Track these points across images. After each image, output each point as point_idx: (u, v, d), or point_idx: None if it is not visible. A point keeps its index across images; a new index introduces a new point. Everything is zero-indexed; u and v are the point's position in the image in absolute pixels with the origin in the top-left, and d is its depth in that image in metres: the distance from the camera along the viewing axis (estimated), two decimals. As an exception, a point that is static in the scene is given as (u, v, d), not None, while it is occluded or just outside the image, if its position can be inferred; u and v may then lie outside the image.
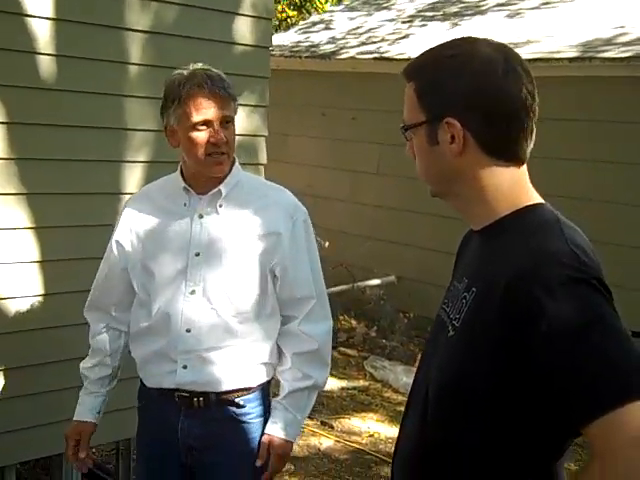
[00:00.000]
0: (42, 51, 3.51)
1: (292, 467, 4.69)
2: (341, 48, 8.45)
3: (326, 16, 10.52)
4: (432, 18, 8.78)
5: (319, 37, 9.16)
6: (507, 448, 1.48)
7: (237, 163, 2.59)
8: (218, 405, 2.55)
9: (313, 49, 8.69)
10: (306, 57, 8.47)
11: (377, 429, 5.34)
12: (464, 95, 1.50)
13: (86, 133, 3.69)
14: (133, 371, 2.69)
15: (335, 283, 7.06)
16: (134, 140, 3.84)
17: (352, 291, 7.41)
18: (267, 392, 2.68)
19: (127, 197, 3.13)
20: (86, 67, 3.63)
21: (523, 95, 1.51)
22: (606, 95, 6.42)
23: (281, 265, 2.53)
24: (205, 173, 2.49)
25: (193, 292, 2.50)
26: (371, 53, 8.04)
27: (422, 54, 1.60)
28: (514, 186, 1.55)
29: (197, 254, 2.51)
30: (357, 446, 5.06)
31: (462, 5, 8.99)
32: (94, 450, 4.27)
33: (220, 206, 2.52)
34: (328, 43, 8.79)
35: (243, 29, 4.12)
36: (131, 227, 2.60)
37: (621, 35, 6.76)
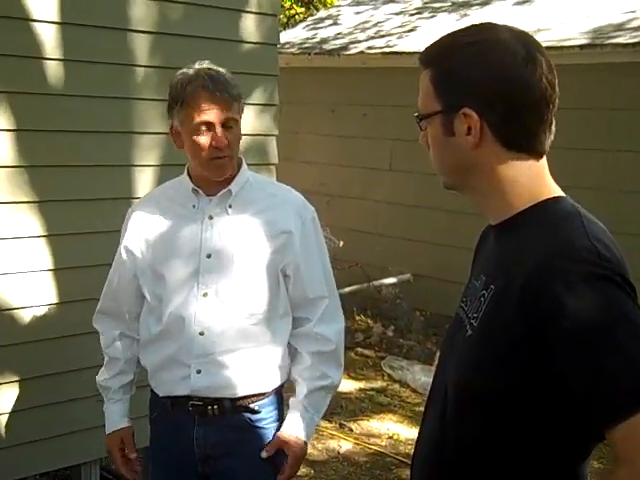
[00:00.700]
0: (49, 56, 3.47)
1: (312, 471, 4.63)
2: (350, 43, 8.38)
3: (333, 11, 10.45)
4: (440, 9, 8.69)
5: (327, 33, 9.09)
6: (527, 449, 1.44)
7: (244, 163, 2.56)
8: (233, 412, 2.51)
9: (321, 45, 8.62)
10: (315, 54, 8.40)
11: (396, 430, 5.26)
12: (483, 85, 1.43)
13: (96, 138, 3.66)
14: (144, 379, 2.66)
15: (350, 282, 7.00)
16: (144, 143, 3.80)
17: (368, 290, 7.34)
18: (281, 396, 2.65)
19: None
20: (94, 71, 3.60)
21: (543, 85, 1.44)
22: (619, 82, 6.33)
23: (293, 264, 2.51)
24: (208, 175, 2.46)
25: (205, 294, 2.47)
26: (380, 48, 7.96)
27: (439, 40, 1.54)
28: (533, 179, 1.49)
29: (208, 256, 2.48)
30: (377, 448, 4.99)
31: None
32: (106, 458, 4.26)
33: (230, 207, 2.49)
34: (336, 39, 8.72)
35: (249, 27, 4.07)
36: (139, 232, 2.57)
37: (632, 20, 6.67)
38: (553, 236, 1.40)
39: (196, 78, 2.37)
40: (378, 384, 6.12)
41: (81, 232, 3.65)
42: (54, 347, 3.64)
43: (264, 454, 2.50)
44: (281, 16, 11.65)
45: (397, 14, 9.00)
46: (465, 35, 1.50)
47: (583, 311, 1.31)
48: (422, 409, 5.39)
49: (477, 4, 8.50)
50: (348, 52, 8.14)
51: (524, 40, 1.47)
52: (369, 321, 7.36)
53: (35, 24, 3.42)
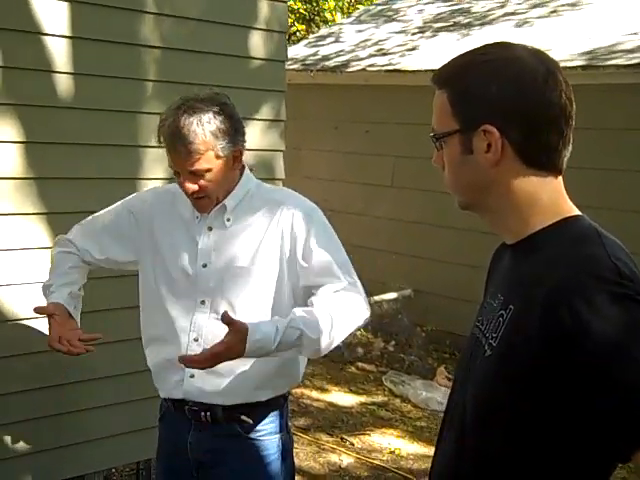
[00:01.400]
0: (59, 69, 3.50)
1: (313, 485, 4.64)
2: (352, 61, 8.43)
3: (335, 29, 10.52)
4: (441, 29, 8.77)
5: (329, 50, 9.15)
6: (548, 468, 1.41)
7: (246, 172, 2.56)
8: (226, 420, 2.52)
9: (324, 62, 8.68)
10: (317, 71, 8.45)
11: (398, 445, 5.27)
12: (503, 101, 1.42)
13: (104, 151, 3.68)
14: (151, 391, 2.67)
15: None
16: (152, 157, 3.82)
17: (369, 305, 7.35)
18: (282, 408, 2.62)
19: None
20: (103, 84, 3.63)
21: (563, 101, 1.44)
22: (618, 102, 6.38)
23: (299, 263, 2.43)
24: None
25: (203, 302, 2.50)
26: (383, 65, 8.01)
27: (453, 60, 1.53)
28: (552, 197, 1.48)
29: (204, 265, 2.51)
30: (378, 463, 5.00)
31: (470, 15, 8.98)
32: (114, 470, 4.27)
33: (228, 220, 2.51)
34: (338, 56, 8.78)
35: (257, 43, 4.10)
36: (150, 220, 2.61)
37: (630, 42, 6.72)
38: (573, 255, 1.38)
39: (166, 124, 2.38)
40: (379, 399, 6.13)
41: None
42: (59, 358, 3.63)
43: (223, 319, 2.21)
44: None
45: (398, 33, 9.07)
46: (481, 54, 1.49)
47: (607, 331, 1.29)
48: (423, 424, 5.41)
49: (477, 25, 8.57)
50: (351, 69, 8.20)
51: (541, 57, 1.46)
52: (370, 336, 7.37)
53: (46, 37, 3.45)
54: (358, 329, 2.51)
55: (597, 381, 1.30)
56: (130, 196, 2.75)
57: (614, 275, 1.33)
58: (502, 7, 8.93)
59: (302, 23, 15.63)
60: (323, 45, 9.50)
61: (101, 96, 3.63)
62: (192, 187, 2.38)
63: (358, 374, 6.54)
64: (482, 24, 8.55)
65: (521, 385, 1.38)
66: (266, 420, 2.55)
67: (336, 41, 9.52)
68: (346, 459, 5.02)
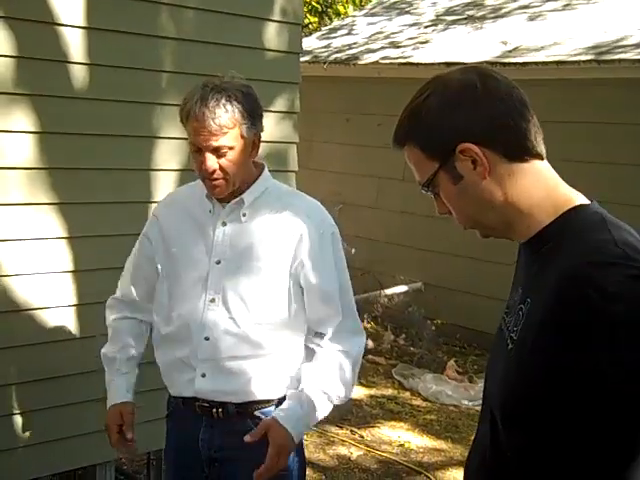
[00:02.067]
0: (73, 60, 3.50)
1: (323, 477, 4.65)
2: (364, 53, 8.42)
3: (348, 21, 10.50)
4: (454, 22, 8.74)
5: (341, 42, 9.13)
6: (570, 459, 1.38)
7: (266, 171, 2.55)
8: (238, 417, 2.50)
9: (336, 55, 8.66)
10: (330, 63, 8.43)
11: (407, 438, 5.28)
12: (461, 118, 1.48)
13: (117, 141, 3.69)
14: (160, 382, 2.66)
15: (362, 290, 7.02)
16: (166, 148, 3.83)
17: (379, 298, 7.36)
18: None
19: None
20: (117, 75, 3.63)
21: (509, 92, 1.49)
22: (631, 97, 6.35)
23: (304, 272, 2.46)
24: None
25: (213, 300, 2.47)
26: (395, 58, 7.99)
27: (400, 118, 1.57)
28: (547, 189, 1.50)
29: (218, 262, 2.48)
30: (388, 456, 5.01)
31: (484, 8, 8.94)
32: (124, 460, 4.29)
33: (244, 215, 2.48)
34: (351, 48, 8.76)
35: (273, 35, 4.10)
36: (161, 227, 2.59)
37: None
38: (581, 246, 1.39)
39: (192, 100, 2.34)
40: (389, 392, 6.14)
41: (101, 235, 3.68)
42: (71, 348, 3.66)
43: (247, 438, 2.31)
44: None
45: (411, 25, 9.05)
46: (417, 97, 1.54)
47: (622, 317, 1.28)
48: (432, 417, 5.43)
49: (490, 18, 8.54)
50: (363, 62, 8.19)
51: (471, 69, 1.54)
52: (380, 329, 7.38)
53: (61, 28, 3.46)
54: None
55: (619, 367, 1.28)
56: (146, 224, 2.70)
57: (623, 260, 1.33)
58: (516, 0, 8.89)
59: (315, 15, 15.59)
60: (336, 37, 9.48)
61: (116, 87, 3.63)
62: (213, 165, 2.34)
63: (368, 367, 6.54)
64: (495, 17, 8.52)
65: (538, 378, 1.37)
66: None
67: (349, 33, 9.50)
68: (355, 452, 5.03)
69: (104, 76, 3.60)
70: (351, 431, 5.32)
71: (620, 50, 6.51)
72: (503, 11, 8.70)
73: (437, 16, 9.17)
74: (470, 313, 6.93)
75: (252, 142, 2.42)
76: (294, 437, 2.37)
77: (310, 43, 9.47)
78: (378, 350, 6.96)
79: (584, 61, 6.52)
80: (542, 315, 1.37)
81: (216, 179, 2.38)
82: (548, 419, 1.38)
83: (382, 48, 8.44)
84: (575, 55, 6.68)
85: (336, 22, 11.59)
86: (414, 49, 8.10)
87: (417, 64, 7.63)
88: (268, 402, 2.52)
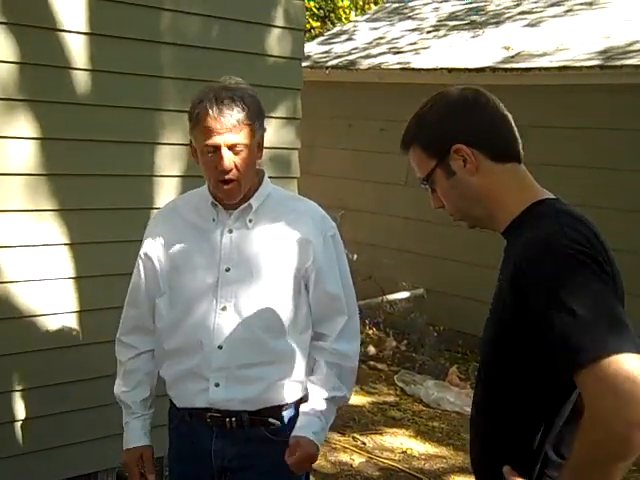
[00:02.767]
0: (76, 66, 3.51)
1: (325, 484, 4.63)
2: (366, 58, 8.41)
3: (350, 26, 10.50)
4: (456, 27, 8.73)
5: (343, 48, 9.13)
6: (528, 391, 1.76)
7: (266, 177, 2.55)
8: (251, 425, 2.49)
9: (338, 60, 8.66)
10: (331, 68, 8.43)
11: (409, 445, 5.26)
12: (459, 124, 1.84)
13: (119, 148, 3.69)
14: (162, 389, 2.64)
15: (364, 296, 6.99)
16: (167, 154, 3.83)
17: (381, 304, 7.35)
18: (299, 409, 2.60)
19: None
20: (119, 81, 3.64)
21: (495, 107, 1.87)
22: (636, 102, 6.33)
23: (313, 279, 2.48)
24: (217, 195, 2.45)
25: (224, 308, 2.45)
26: (397, 63, 7.98)
27: (407, 125, 1.93)
28: (521, 186, 1.85)
29: (227, 269, 2.46)
30: (390, 463, 4.98)
31: (486, 14, 8.95)
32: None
33: (250, 221, 2.47)
34: (353, 54, 8.76)
35: (275, 41, 4.10)
36: (160, 242, 2.55)
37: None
38: (533, 230, 1.71)
39: (206, 99, 2.33)
40: (391, 398, 6.11)
41: (102, 241, 3.67)
42: (72, 355, 3.66)
43: (290, 460, 2.40)
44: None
45: (413, 31, 9.05)
46: (422, 107, 1.91)
47: (548, 279, 1.61)
48: (434, 424, 5.39)
49: (492, 23, 8.54)
50: (365, 67, 8.18)
51: (465, 88, 1.91)
52: (382, 335, 7.35)
53: (63, 34, 3.46)
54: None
55: (542, 319, 1.62)
56: (142, 242, 2.64)
57: (559, 237, 1.65)
58: (518, 6, 8.89)
59: (317, 20, 15.60)
60: (337, 43, 9.48)
61: (118, 93, 3.64)
62: (230, 164, 2.34)
63: (370, 373, 6.52)
64: (497, 23, 8.52)
65: (501, 326, 1.78)
66: (288, 421, 2.54)
67: (351, 39, 9.50)
68: (358, 459, 5.01)
69: (106, 82, 3.60)
70: (353, 438, 5.29)
71: (624, 56, 6.49)
72: (505, 17, 8.70)
73: (439, 21, 9.17)
74: (472, 319, 6.85)
75: (258, 144, 2.44)
76: (318, 447, 2.48)
77: (312, 48, 9.46)
78: (380, 356, 6.94)
79: (587, 67, 6.50)
80: (505, 285, 1.73)
81: (231, 180, 2.37)
82: (510, 350, 1.76)
83: (384, 53, 8.44)
84: (578, 61, 6.66)
85: (338, 27, 11.59)
86: (416, 54, 8.10)
87: (419, 69, 7.62)
88: (281, 408, 2.52)
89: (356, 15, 14.31)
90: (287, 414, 2.54)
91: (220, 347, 2.45)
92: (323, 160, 8.29)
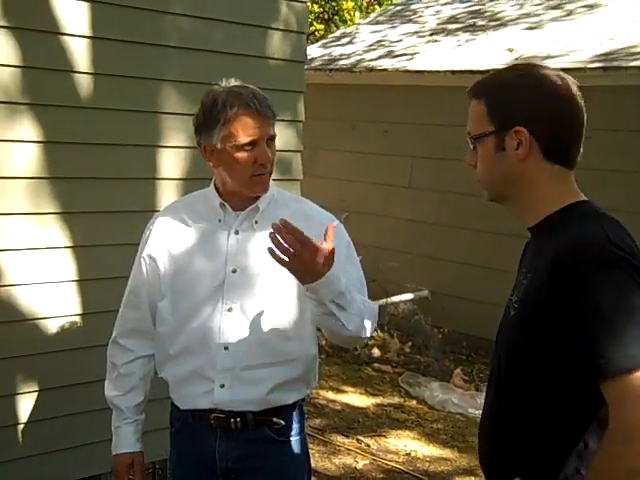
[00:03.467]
0: (77, 69, 3.51)
1: (329, 487, 4.63)
2: (370, 60, 8.41)
3: (353, 29, 10.51)
4: (459, 30, 8.74)
5: (347, 50, 9.14)
6: (554, 407, 1.72)
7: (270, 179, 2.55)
8: (256, 425, 2.48)
9: (342, 62, 8.66)
10: (335, 70, 8.43)
11: (414, 447, 5.25)
12: (535, 109, 1.76)
13: (120, 151, 3.69)
14: (165, 392, 2.62)
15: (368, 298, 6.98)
16: (169, 157, 3.83)
17: (385, 306, 7.34)
18: (303, 410, 2.63)
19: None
20: (121, 84, 3.64)
21: (580, 111, 1.80)
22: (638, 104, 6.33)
23: None
24: (247, 193, 2.45)
25: (230, 309, 2.45)
26: (401, 65, 7.98)
27: (490, 75, 1.87)
28: (563, 187, 1.81)
29: (234, 271, 2.46)
30: (394, 465, 4.98)
31: (487, 17, 8.95)
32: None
33: (256, 222, 2.48)
34: (356, 56, 8.76)
35: (277, 43, 4.11)
36: (163, 243, 2.54)
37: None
38: (574, 230, 1.69)
39: (240, 96, 2.34)
40: (395, 400, 6.10)
41: (104, 244, 3.68)
42: (75, 357, 3.66)
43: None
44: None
45: (415, 34, 9.06)
46: (515, 71, 1.85)
47: (590, 286, 1.58)
48: (439, 426, 5.39)
49: (492, 27, 8.54)
50: (369, 69, 8.18)
51: (562, 76, 1.80)
52: (386, 337, 7.34)
53: (65, 38, 3.47)
54: (363, 338, 2.49)
55: (576, 324, 1.60)
56: (140, 245, 2.61)
57: (603, 241, 1.63)
58: (519, 9, 8.89)
59: (321, 22, 15.61)
60: (341, 45, 9.48)
61: (120, 96, 3.64)
62: (270, 155, 2.39)
63: (374, 375, 6.52)
64: (499, 25, 8.52)
65: (531, 328, 1.71)
66: (292, 421, 2.54)
67: (354, 41, 9.50)
68: (362, 461, 5.01)
69: (108, 85, 3.60)
70: (357, 440, 5.29)
71: (628, 58, 6.49)
72: (507, 19, 8.70)
73: (442, 24, 9.17)
74: (477, 321, 6.89)
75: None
76: (325, 276, 2.24)
77: (316, 51, 9.47)
78: (384, 358, 6.93)
79: (591, 68, 6.49)
80: (539, 283, 1.68)
81: (265, 173, 2.41)
82: (539, 353, 1.71)
83: (388, 56, 8.44)
84: (582, 63, 6.65)
85: (341, 30, 11.61)
86: (419, 57, 8.10)
87: (423, 71, 7.62)
88: (286, 408, 2.51)
89: (361, 17, 14.32)
90: (291, 414, 2.54)
91: (226, 348, 2.45)
92: (327, 162, 8.30)
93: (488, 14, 9.07)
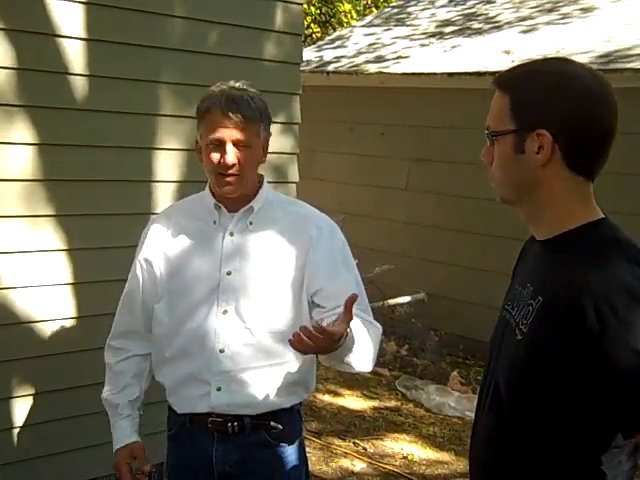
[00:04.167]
0: (73, 71, 3.49)
1: (325, 490, 4.61)
2: (367, 63, 8.41)
3: (348, 31, 10.51)
4: (455, 32, 8.74)
5: (344, 52, 9.14)
6: (567, 440, 1.59)
7: (265, 181, 2.55)
8: (253, 429, 2.48)
9: (339, 64, 8.66)
10: (332, 72, 8.43)
11: (410, 450, 5.24)
12: (561, 112, 1.59)
13: (116, 153, 3.67)
14: (162, 395, 2.62)
15: (365, 301, 6.97)
16: (165, 159, 3.82)
17: (382, 309, 7.33)
18: (300, 414, 2.62)
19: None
20: (117, 87, 3.63)
21: (612, 120, 1.63)
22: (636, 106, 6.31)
23: (320, 280, 2.43)
24: (218, 191, 2.44)
25: (225, 312, 2.44)
26: (398, 68, 7.98)
27: (518, 67, 1.70)
28: (583, 201, 1.65)
29: (229, 273, 2.45)
30: (391, 468, 4.97)
31: (483, 20, 8.95)
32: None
33: (250, 223, 2.47)
34: (353, 58, 8.76)
35: (273, 45, 4.09)
36: (159, 246, 2.54)
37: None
38: (598, 262, 1.54)
39: (214, 95, 2.37)
40: (392, 403, 6.10)
41: (99, 247, 3.66)
42: (73, 360, 3.65)
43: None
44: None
45: (410, 36, 9.06)
46: (545, 66, 1.69)
47: (624, 332, 1.45)
48: (436, 429, 5.37)
49: (487, 30, 8.55)
50: (366, 71, 8.18)
51: (598, 77, 1.64)
52: (383, 340, 7.32)
53: (61, 40, 3.45)
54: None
55: (606, 375, 1.48)
56: (137, 249, 2.62)
57: (636, 282, 1.49)
58: (514, 12, 8.89)
59: (318, 25, 15.61)
60: (337, 47, 9.48)
61: (116, 99, 3.62)
62: (233, 159, 2.34)
63: (371, 378, 6.51)
64: (491, 29, 8.53)
65: (547, 369, 1.56)
66: (290, 425, 2.53)
67: (350, 44, 9.50)
68: (358, 464, 5.00)
69: (104, 88, 3.59)
70: (354, 443, 5.28)
71: (624, 60, 6.49)
72: (503, 22, 8.70)
73: (437, 27, 9.18)
74: (473, 324, 6.88)
75: (263, 145, 2.44)
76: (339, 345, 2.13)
77: (313, 53, 9.47)
78: (381, 361, 6.91)
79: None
80: (557, 317, 1.53)
81: (232, 175, 2.37)
82: (551, 398, 1.57)
83: (385, 59, 8.44)
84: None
85: (337, 32, 11.61)
86: (415, 59, 8.10)
87: (419, 74, 7.61)
88: (283, 411, 2.50)
89: (357, 20, 14.32)
90: (289, 417, 2.53)
91: (222, 351, 2.44)
92: (324, 164, 8.29)
93: (483, 17, 9.08)
